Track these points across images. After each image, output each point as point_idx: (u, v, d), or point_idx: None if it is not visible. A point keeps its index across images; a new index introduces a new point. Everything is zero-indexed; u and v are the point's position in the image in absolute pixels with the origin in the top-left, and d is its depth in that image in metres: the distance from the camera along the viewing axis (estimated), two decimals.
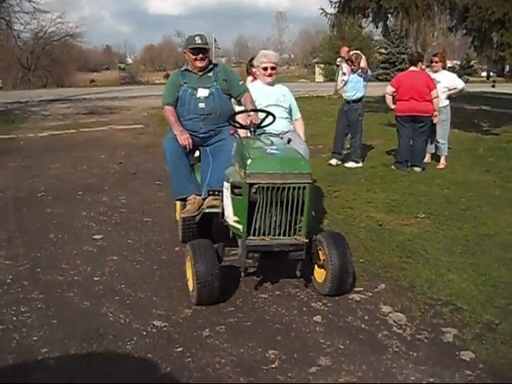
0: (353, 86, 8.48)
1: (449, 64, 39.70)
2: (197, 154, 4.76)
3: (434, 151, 8.59)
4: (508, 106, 18.46)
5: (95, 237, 5.07)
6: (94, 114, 16.67)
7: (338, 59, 8.88)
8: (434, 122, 8.01)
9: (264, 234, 3.58)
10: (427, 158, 8.59)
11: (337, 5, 12.69)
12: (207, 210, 4.34)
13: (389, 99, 8.25)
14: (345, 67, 9.05)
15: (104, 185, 7.21)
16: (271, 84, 5.27)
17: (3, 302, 3.63)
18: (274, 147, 3.76)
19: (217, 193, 4.28)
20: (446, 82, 8.23)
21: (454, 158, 8.89)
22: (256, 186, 3.42)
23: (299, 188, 3.47)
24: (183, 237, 4.69)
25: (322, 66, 50.25)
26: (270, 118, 4.41)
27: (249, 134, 4.40)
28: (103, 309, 3.57)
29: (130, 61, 75.43)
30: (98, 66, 67.94)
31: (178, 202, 4.84)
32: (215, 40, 31.15)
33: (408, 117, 7.94)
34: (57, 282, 4.00)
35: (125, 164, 8.72)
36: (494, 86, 28.86)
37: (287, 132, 5.03)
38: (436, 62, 8.39)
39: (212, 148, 4.67)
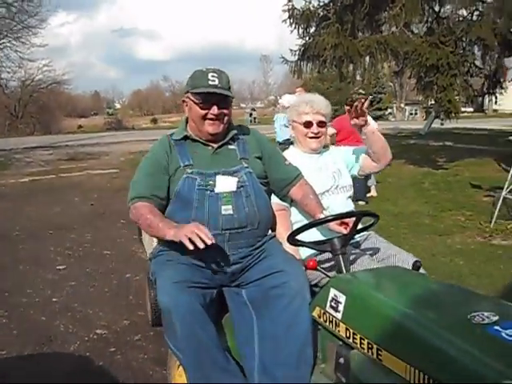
0: None
1: None
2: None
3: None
4: (470, 141, 19.52)
5: (58, 267, 5.77)
6: (74, 159, 17.51)
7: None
8: None
9: None
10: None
11: (296, 53, 13.79)
12: None
13: None
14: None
15: (74, 224, 7.94)
16: (317, 151, 3.07)
17: None
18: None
19: None
20: None
21: (399, 192, 9.77)
22: None
23: None
24: None
25: None
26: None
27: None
28: (56, 322, 4.28)
29: (118, 106, 76.63)
30: (86, 112, 68.93)
31: None
32: None
33: None
34: (21, 303, 4.71)
35: (96, 205, 9.49)
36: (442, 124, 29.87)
37: (368, 237, 2.94)
38: None
39: (254, 290, 2.38)
